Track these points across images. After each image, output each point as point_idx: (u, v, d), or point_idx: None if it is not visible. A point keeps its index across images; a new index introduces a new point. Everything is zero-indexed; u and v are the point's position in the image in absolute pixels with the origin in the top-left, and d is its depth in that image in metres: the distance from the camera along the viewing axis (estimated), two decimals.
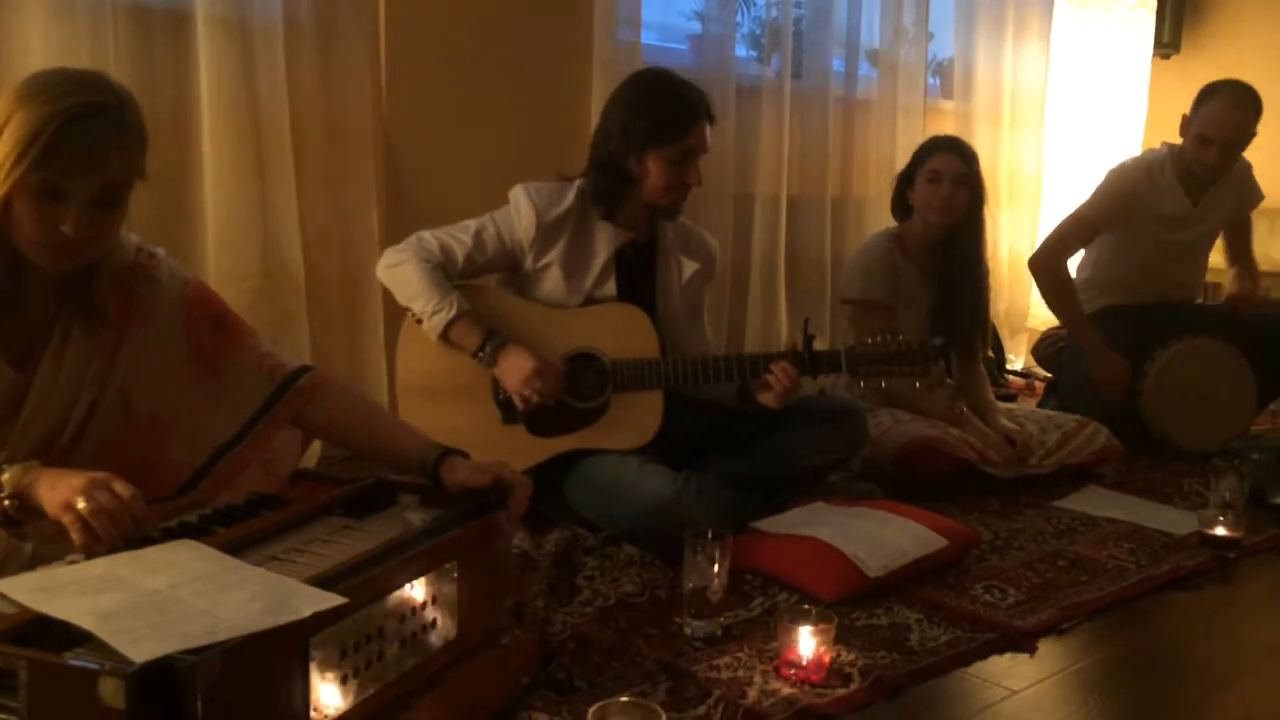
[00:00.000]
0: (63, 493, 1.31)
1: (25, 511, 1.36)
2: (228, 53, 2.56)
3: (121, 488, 1.31)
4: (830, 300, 3.91)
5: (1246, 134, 3.23)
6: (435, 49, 2.95)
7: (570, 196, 2.37)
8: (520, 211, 2.35)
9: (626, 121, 2.33)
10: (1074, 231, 3.39)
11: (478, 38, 3.01)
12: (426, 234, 2.35)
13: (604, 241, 2.38)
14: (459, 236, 2.34)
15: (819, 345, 2.37)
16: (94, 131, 1.37)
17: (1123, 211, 3.33)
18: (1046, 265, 3.40)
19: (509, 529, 1.58)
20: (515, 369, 2.25)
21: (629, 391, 2.31)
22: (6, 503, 1.36)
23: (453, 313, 2.26)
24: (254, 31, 2.61)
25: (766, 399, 2.31)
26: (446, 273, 2.31)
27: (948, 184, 2.86)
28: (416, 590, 1.33)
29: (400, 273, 2.31)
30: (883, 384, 2.35)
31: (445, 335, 2.28)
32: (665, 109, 2.32)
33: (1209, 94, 3.25)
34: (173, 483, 1.62)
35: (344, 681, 1.18)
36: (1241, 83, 3.24)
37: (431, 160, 2.97)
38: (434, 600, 1.36)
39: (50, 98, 1.36)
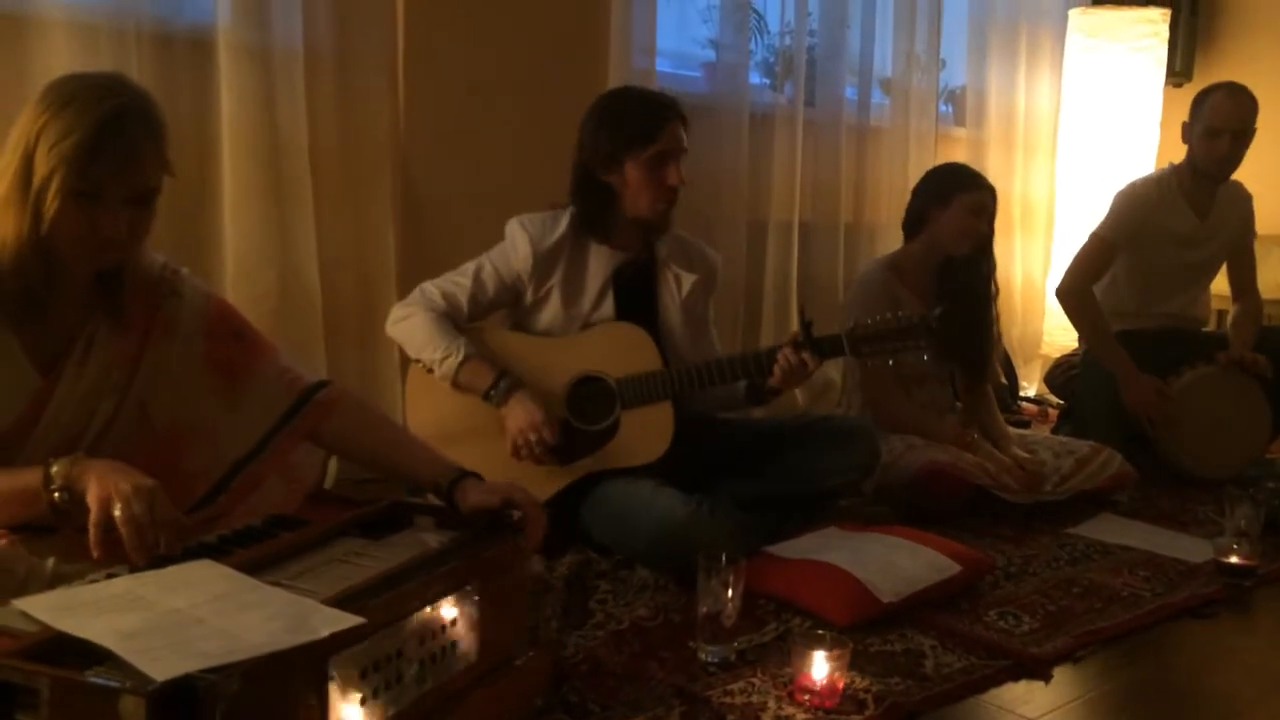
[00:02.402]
0: (108, 488, 1.33)
1: (75, 504, 1.38)
2: (249, 78, 2.60)
3: (163, 502, 1.34)
4: (840, 327, 3.91)
5: (1250, 122, 3.27)
6: (452, 75, 2.98)
7: (564, 224, 2.39)
8: (516, 244, 2.37)
9: (597, 136, 2.36)
10: (1095, 253, 3.37)
11: (494, 64, 3.04)
12: (429, 285, 2.39)
13: (599, 265, 2.40)
14: (459, 281, 2.37)
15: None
16: (128, 135, 1.43)
17: (1139, 227, 3.33)
18: (1073, 291, 3.37)
19: (528, 554, 1.58)
20: (524, 413, 2.26)
21: (637, 407, 2.32)
22: (57, 495, 1.39)
23: (461, 356, 2.29)
24: (274, 57, 2.64)
25: (774, 381, 2.30)
26: (453, 320, 2.34)
27: (985, 220, 2.92)
28: (437, 612, 1.33)
29: (407, 326, 2.34)
30: (889, 362, 2.33)
31: (456, 380, 2.30)
32: (632, 115, 2.35)
33: (1207, 93, 3.32)
34: (190, 495, 1.63)
35: (363, 703, 1.18)
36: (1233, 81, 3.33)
37: (448, 185, 2.99)
38: (454, 623, 1.36)
39: (81, 106, 1.42)
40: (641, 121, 2.33)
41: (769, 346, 2.34)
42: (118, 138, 1.42)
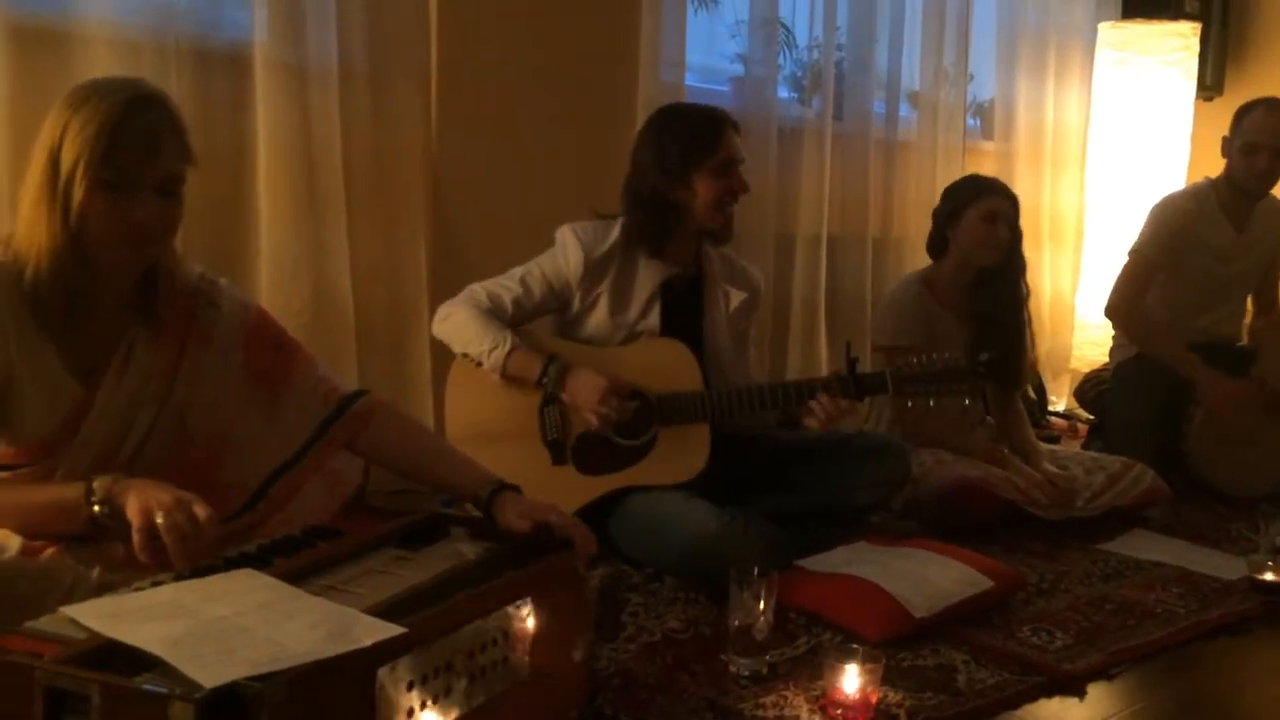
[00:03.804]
0: (148, 500, 1.37)
1: (115, 519, 1.41)
2: (284, 94, 2.62)
3: (201, 511, 1.37)
4: (871, 340, 3.90)
5: None
6: (484, 90, 3.00)
7: (615, 233, 2.41)
8: (567, 250, 2.39)
9: (660, 152, 2.39)
10: (1137, 270, 3.36)
11: (525, 79, 3.06)
12: (475, 286, 2.41)
13: (649, 276, 2.41)
14: (505, 284, 2.39)
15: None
16: (148, 118, 1.47)
17: (1178, 240, 3.32)
18: (1124, 309, 3.37)
19: (583, 571, 1.59)
20: (588, 388, 2.27)
21: (675, 426, 2.32)
22: (97, 509, 1.42)
23: (509, 345, 2.30)
24: (310, 73, 2.67)
25: (810, 424, 2.31)
26: (497, 317, 2.35)
27: (1003, 225, 2.89)
28: (490, 625, 1.34)
29: (452, 323, 2.37)
30: (930, 403, 2.33)
31: (505, 370, 2.31)
32: (691, 127, 2.40)
33: (1248, 108, 3.32)
34: (228, 504, 1.65)
35: (410, 714, 1.19)
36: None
37: (479, 199, 3.01)
38: (507, 636, 1.37)
39: (101, 97, 1.46)
40: (702, 132, 2.38)
41: (810, 379, 2.35)
42: (137, 123, 1.45)
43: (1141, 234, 3.40)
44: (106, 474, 1.46)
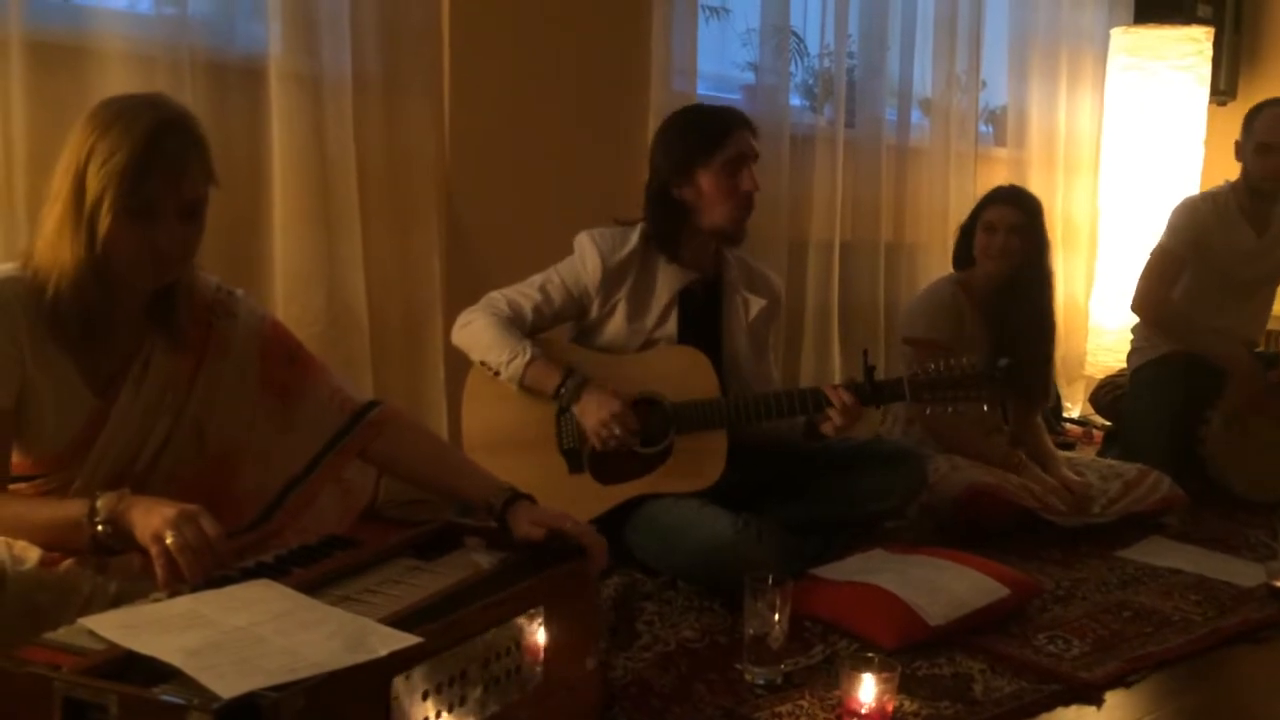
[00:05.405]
0: (154, 522, 1.36)
1: (118, 538, 1.40)
2: (299, 106, 2.63)
3: (208, 524, 1.36)
4: (884, 346, 3.90)
5: None
6: (496, 100, 3.01)
7: (634, 239, 2.41)
8: (585, 257, 2.39)
9: (667, 151, 2.39)
10: (1163, 264, 3.36)
11: (537, 89, 3.08)
12: (495, 294, 2.41)
13: (667, 282, 2.41)
14: (525, 292, 2.39)
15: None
16: (174, 147, 1.47)
17: (1198, 240, 3.32)
18: (1152, 303, 3.37)
19: (595, 580, 1.59)
20: (600, 407, 2.27)
21: (692, 434, 2.32)
22: (100, 529, 1.41)
23: (527, 356, 2.30)
24: (324, 85, 2.68)
25: (825, 429, 2.30)
26: (517, 326, 2.36)
27: (1002, 234, 2.91)
28: (503, 634, 1.34)
29: (471, 331, 2.37)
30: (949, 409, 2.32)
31: (523, 381, 2.32)
32: (698, 125, 2.39)
33: (1259, 109, 3.32)
34: (243, 514, 1.66)
35: None
36: None
37: (492, 208, 3.02)
38: (520, 645, 1.37)
39: (127, 124, 1.45)
40: (709, 129, 2.36)
41: (828, 385, 2.34)
42: (163, 152, 1.45)
43: (1165, 232, 3.40)
44: (116, 488, 1.45)
